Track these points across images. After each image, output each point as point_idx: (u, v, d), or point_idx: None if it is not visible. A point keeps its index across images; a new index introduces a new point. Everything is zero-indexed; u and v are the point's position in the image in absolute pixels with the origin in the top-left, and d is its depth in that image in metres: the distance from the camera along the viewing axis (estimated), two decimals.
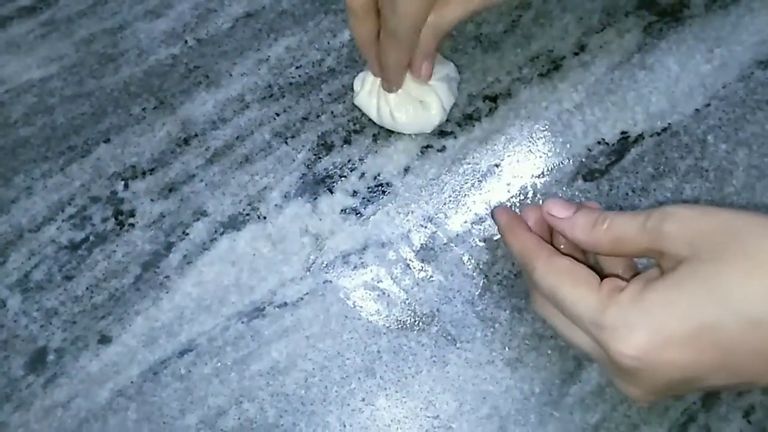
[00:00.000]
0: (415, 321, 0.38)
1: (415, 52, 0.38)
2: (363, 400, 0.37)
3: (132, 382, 0.37)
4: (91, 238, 0.40)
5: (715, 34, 0.44)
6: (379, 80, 0.40)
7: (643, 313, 0.26)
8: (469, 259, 0.39)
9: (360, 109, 0.42)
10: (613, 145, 0.42)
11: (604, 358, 0.28)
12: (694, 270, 0.26)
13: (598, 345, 0.28)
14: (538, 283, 0.31)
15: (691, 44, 0.44)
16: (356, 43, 0.39)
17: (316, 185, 0.41)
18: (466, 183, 0.41)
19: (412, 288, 0.39)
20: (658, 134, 0.42)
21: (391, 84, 0.40)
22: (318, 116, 0.43)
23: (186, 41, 0.45)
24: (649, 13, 0.45)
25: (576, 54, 0.44)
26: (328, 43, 0.45)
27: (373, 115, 0.41)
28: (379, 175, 0.41)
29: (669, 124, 0.42)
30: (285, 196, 0.41)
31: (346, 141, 0.42)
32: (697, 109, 0.43)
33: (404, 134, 0.42)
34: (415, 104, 0.40)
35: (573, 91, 0.43)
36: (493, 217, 0.37)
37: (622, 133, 0.42)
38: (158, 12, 0.46)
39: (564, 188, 0.41)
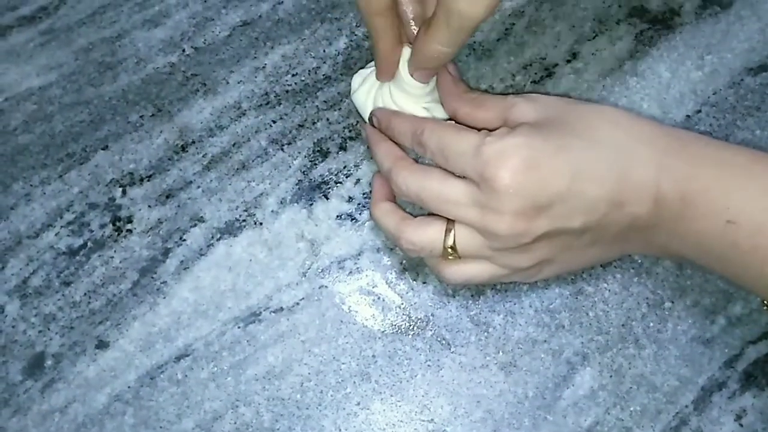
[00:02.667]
0: (410, 325, 0.38)
1: (415, 71, 0.37)
2: (358, 404, 0.37)
3: (129, 387, 0.37)
4: (89, 244, 0.41)
5: (705, 41, 0.45)
6: (377, 81, 0.40)
7: (515, 140, 0.32)
8: None
9: (356, 112, 0.42)
10: None
11: (477, 196, 0.32)
12: (546, 124, 0.33)
13: (477, 177, 0.32)
14: (425, 143, 0.35)
15: (681, 51, 0.45)
16: (362, 8, 0.36)
17: (312, 191, 0.42)
18: None
19: (407, 293, 0.39)
20: None
21: (385, 73, 0.38)
22: (314, 123, 0.43)
23: (183, 49, 0.45)
24: (641, 21, 0.46)
25: (568, 61, 0.45)
26: (324, 51, 0.45)
27: (368, 117, 0.42)
28: None
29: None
30: (281, 202, 0.41)
31: (342, 147, 0.43)
32: (688, 116, 0.43)
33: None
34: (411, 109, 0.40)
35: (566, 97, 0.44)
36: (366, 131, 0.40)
37: None
38: (156, 21, 0.46)
39: None
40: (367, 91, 0.40)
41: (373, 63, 0.41)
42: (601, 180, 0.31)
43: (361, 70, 0.42)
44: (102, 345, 0.38)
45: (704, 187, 0.31)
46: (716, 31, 0.45)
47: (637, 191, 0.32)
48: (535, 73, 0.44)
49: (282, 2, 0.47)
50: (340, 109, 0.44)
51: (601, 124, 0.33)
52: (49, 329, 0.39)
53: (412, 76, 0.38)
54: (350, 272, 0.40)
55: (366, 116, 0.41)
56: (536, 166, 0.31)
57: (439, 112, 0.41)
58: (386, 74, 0.39)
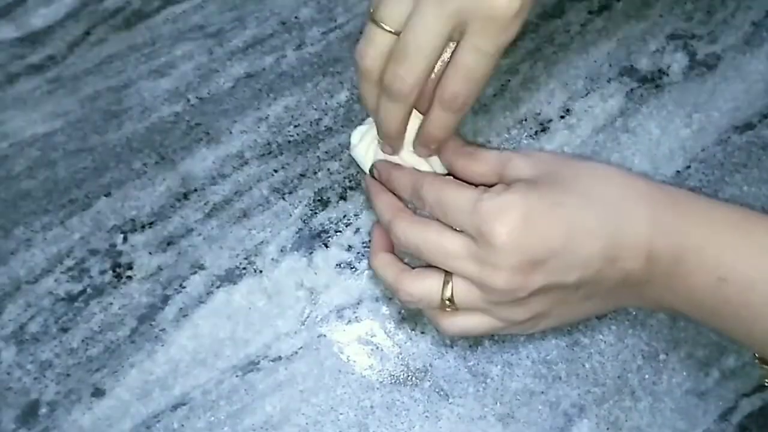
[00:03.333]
0: (408, 376, 0.39)
1: (424, 131, 0.38)
2: None
3: None
4: (89, 290, 0.41)
5: (693, 100, 0.47)
6: (376, 136, 0.41)
7: (511, 196, 0.33)
8: None
9: (356, 163, 0.43)
10: None
11: (474, 250, 0.33)
12: (541, 181, 0.34)
13: (474, 232, 0.33)
14: (425, 197, 0.36)
15: (670, 109, 0.46)
16: (363, 103, 0.39)
17: (312, 240, 0.42)
18: None
19: (405, 343, 0.39)
20: None
21: (392, 145, 0.40)
22: (315, 173, 0.44)
23: (188, 99, 0.47)
24: (631, 79, 0.47)
25: (562, 117, 0.46)
26: (326, 103, 0.46)
27: (369, 170, 0.43)
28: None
29: None
30: (281, 251, 0.42)
31: (342, 197, 0.44)
32: (678, 171, 0.45)
33: None
34: None
35: (560, 152, 0.45)
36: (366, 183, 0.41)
37: None
38: (162, 71, 0.47)
39: None
40: (366, 146, 0.42)
41: (370, 119, 0.42)
42: (595, 236, 0.32)
43: (359, 126, 0.43)
44: (98, 393, 0.38)
45: (697, 245, 0.32)
46: (703, 91, 0.47)
47: (630, 248, 0.33)
48: (530, 128, 0.46)
49: (285, 56, 0.48)
50: (340, 159, 0.45)
51: (594, 181, 0.35)
52: (44, 376, 0.38)
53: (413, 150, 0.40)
54: (349, 321, 0.40)
55: (366, 170, 0.42)
56: (532, 223, 0.32)
57: (439, 166, 0.42)
58: (394, 151, 0.40)
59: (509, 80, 0.47)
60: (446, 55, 0.35)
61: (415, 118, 0.39)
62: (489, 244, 0.32)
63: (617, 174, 0.35)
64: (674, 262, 0.32)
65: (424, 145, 0.39)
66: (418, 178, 0.37)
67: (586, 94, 0.47)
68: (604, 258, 0.32)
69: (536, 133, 0.46)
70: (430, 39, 0.34)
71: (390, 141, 0.40)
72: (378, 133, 0.40)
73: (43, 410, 0.37)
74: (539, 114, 0.46)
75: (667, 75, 0.48)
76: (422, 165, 0.41)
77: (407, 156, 0.41)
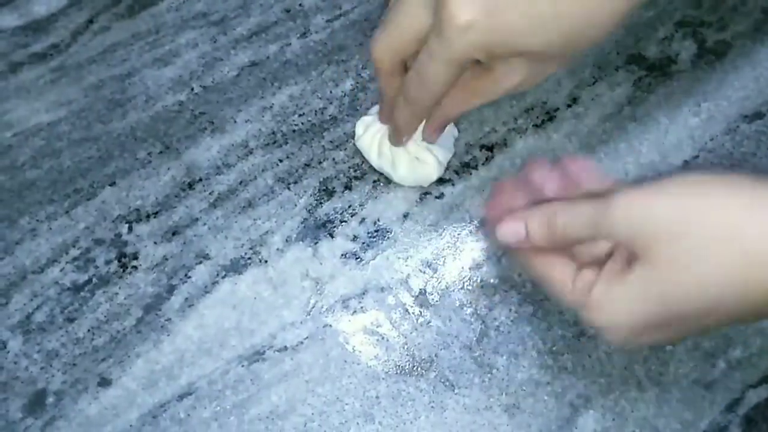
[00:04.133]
0: (414, 366, 0.39)
1: (436, 115, 0.38)
2: None
3: (131, 426, 0.37)
4: (94, 280, 0.41)
5: (701, 88, 0.46)
6: (381, 127, 0.42)
7: (610, 314, 0.30)
8: (466, 304, 0.40)
9: (361, 153, 0.43)
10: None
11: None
12: (647, 265, 0.28)
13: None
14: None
15: (679, 98, 0.46)
16: (380, 95, 0.39)
17: (317, 230, 0.42)
18: (464, 229, 0.42)
19: (411, 333, 0.39)
20: None
21: (396, 138, 0.41)
22: (320, 162, 0.44)
23: (192, 88, 0.46)
24: (639, 67, 0.47)
25: (569, 106, 0.46)
26: (331, 92, 0.46)
27: (374, 160, 0.42)
28: (378, 220, 0.42)
29: (659, 174, 0.44)
30: (286, 241, 0.42)
31: (347, 187, 0.43)
32: (686, 161, 0.44)
33: None
34: (413, 160, 0.41)
35: (566, 141, 0.45)
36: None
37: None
38: (166, 60, 0.47)
39: None
40: (371, 137, 0.42)
41: (374, 108, 0.43)
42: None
43: (364, 117, 0.43)
44: (104, 382, 0.38)
45: None
46: (712, 79, 0.46)
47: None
48: (537, 117, 0.45)
49: (290, 44, 0.48)
50: (345, 149, 0.44)
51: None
52: (51, 366, 0.38)
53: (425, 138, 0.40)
54: (354, 311, 0.40)
55: (371, 161, 0.42)
56: (637, 332, 0.30)
57: (443, 155, 0.42)
58: (403, 142, 0.41)
59: None
60: None
61: None
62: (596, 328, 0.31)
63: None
64: None
65: (393, 126, 0.40)
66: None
67: (594, 83, 0.46)
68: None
69: (543, 122, 0.45)
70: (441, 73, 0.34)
71: (400, 136, 0.40)
72: (389, 125, 0.41)
73: (50, 399, 0.38)
74: (546, 102, 0.46)
75: (676, 63, 0.47)
76: (424, 154, 0.41)
77: (411, 146, 0.41)
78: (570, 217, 0.31)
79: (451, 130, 0.43)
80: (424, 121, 0.39)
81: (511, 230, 0.33)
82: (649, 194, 0.29)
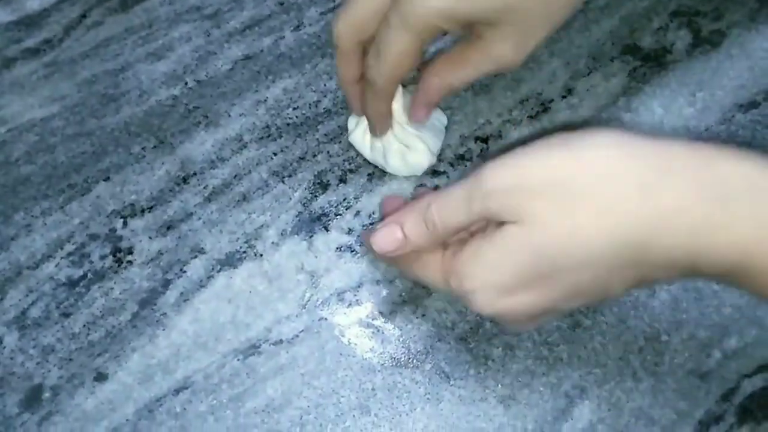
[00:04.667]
0: (409, 358, 0.39)
1: (418, 96, 0.38)
2: None
3: (127, 420, 0.37)
4: (89, 275, 0.41)
5: (696, 78, 0.46)
6: None
7: (476, 274, 0.29)
8: None
9: (354, 148, 0.43)
10: None
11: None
12: (518, 224, 0.28)
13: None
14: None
15: (674, 88, 0.46)
16: (339, 82, 0.39)
17: (312, 223, 0.42)
18: None
19: (406, 325, 0.39)
20: None
21: (374, 129, 0.40)
22: (314, 156, 0.44)
23: (186, 82, 0.46)
24: (634, 58, 0.47)
25: (564, 97, 0.46)
26: (325, 85, 0.46)
27: (367, 154, 0.42)
28: (374, 213, 0.42)
29: None
30: (281, 234, 0.42)
31: (342, 180, 0.43)
32: None
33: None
34: (403, 149, 0.41)
35: (562, 133, 0.44)
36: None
37: None
38: (159, 54, 0.47)
39: None
40: (363, 132, 0.42)
41: None
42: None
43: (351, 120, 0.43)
44: (100, 377, 0.38)
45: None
46: (707, 69, 0.46)
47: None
48: (532, 108, 0.45)
49: (284, 37, 0.47)
50: (340, 142, 0.44)
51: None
52: (47, 361, 0.38)
53: (409, 119, 0.39)
54: (350, 304, 0.40)
55: (365, 154, 0.42)
56: (507, 294, 0.30)
57: (432, 143, 0.41)
58: (382, 131, 0.40)
59: None
60: None
61: (401, 97, 0.39)
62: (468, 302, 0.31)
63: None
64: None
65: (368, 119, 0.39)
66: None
67: (589, 73, 0.46)
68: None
69: (537, 113, 0.45)
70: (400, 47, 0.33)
71: (376, 125, 0.39)
72: (357, 113, 0.41)
73: (47, 394, 0.38)
74: (541, 94, 0.46)
75: (671, 53, 0.47)
76: (414, 141, 0.41)
77: (400, 134, 0.41)
78: (442, 203, 0.31)
79: (438, 116, 0.43)
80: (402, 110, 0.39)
81: (387, 238, 0.33)
82: (516, 159, 0.29)
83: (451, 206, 0.30)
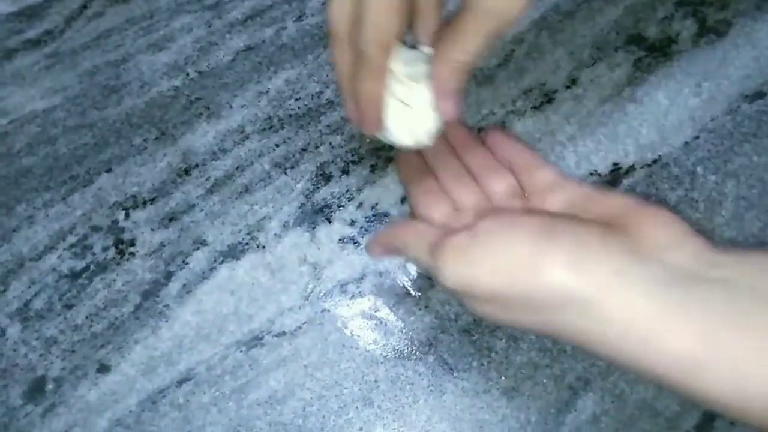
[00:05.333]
0: (413, 350, 0.38)
1: (436, 90, 0.34)
2: (361, 429, 0.37)
3: (130, 412, 0.37)
4: (92, 267, 0.41)
5: (702, 68, 0.46)
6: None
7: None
8: None
9: (359, 134, 0.42)
10: (605, 176, 0.43)
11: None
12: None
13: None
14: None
15: (679, 78, 0.45)
16: (336, 74, 0.34)
17: (315, 215, 0.42)
18: None
19: (409, 317, 0.39)
20: (649, 166, 0.43)
21: (368, 122, 0.34)
22: (317, 147, 0.44)
23: (187, 73, 0.46)
24: (639, 48, 0.46)
25: (568, 87, 0.45)
26: (327, 76, 0.46)
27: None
28: (376, 205, 0.42)
29: (659, 156, 0.43)
30: (284, 226, 0.42)
31: (344, 171, 0.43)
32: (686, 142, 0.44)
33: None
34: (405, 110, 0.35)
35: (566, 123, 0.44)
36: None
37: (614, 164, 0.43)
38: (161, 45, 0.47)
39: None
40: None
41: None
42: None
43: None
44: (103, 369, 0.38)
45: None
46: (713, 59, 0.46)
47: None
48: (536, 99, 0.45)
49: (285, 28, 0.47)
50: (342, 133, 0.44)
51: None
52: (50, 353, 0.38)
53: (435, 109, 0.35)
54: (353, 296, 0.40)
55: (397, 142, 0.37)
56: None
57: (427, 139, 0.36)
58: (374, 126, 0.35)
59: (514, 50, 0.46)
60: None
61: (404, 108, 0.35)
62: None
63: None
64: None
65: (359, 114, 0.35)
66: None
67: (593, 64, 0.46)
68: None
69: (541, 104, 0.45)
70: None
71: (367, 114, 0.34)
72: (351, 115, 0.35)
73: (50, 386, 0.38)
74: (544, 84, 0.45)
75: (676, 43, 0.46)
76: (414, 96, 0.35)
77: (398, 89, 0.35)
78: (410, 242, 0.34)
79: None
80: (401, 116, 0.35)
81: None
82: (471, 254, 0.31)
83: (416, 250, 0.35)
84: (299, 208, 0.42)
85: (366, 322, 0.39)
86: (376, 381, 0.38)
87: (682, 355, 0.26)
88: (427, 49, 0.35)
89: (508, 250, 0.30)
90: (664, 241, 0.30)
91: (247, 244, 0.41)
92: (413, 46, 0.35)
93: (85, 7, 0.48)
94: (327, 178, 0.43)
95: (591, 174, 0.43)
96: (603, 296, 0.28)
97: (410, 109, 0.36)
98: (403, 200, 0.42)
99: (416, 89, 0.35)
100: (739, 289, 0.27)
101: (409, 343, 0.39)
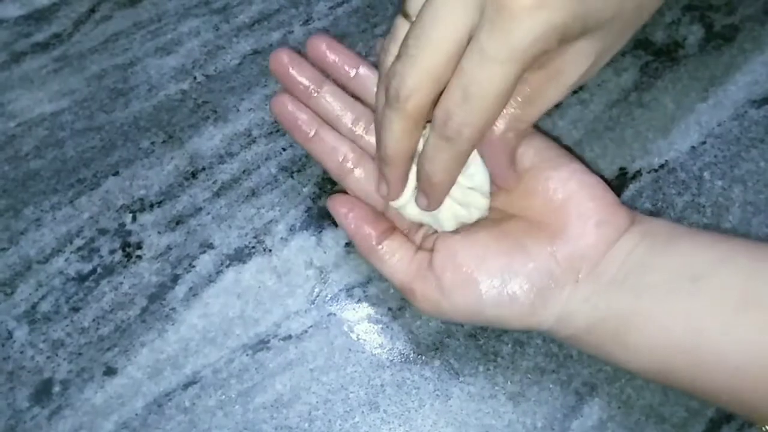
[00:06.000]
0: (419, 354, 0.38)
1: (499, 159, 0.31)
2: None
3: (137, 415, 0.37)
4: (99, 269, 0.41)
5: (709, 73, 0.46)
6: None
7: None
8: None
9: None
10: (612, 181, 0.43)
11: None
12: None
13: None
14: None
15: (686, 83, 0.45)
16: (387, 157, 0.30)
17: (321, 218, 0.42)
18: None
19: (416, 321, 0.39)
20: (656, 171, 0.43)
21: (433, 200, 0.32)
22: None
23: (195, 77, 0.46)
24: (645, 52, 0.46)
25: (575, 92, 0.45)
26: None
27: (412, 214, 0.35)
28: None
29: (666, 161, 0.43)
30: (290, 229, 0.42)
31: None
32: (693, 147, 0.44)
33: None
34: (455, 208, 0.34)
35: (572, 128, 0.44)
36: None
37: (621, 169, 0.43)
38: (168, 49, 0.47)
39: None
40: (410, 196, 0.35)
41: None
42: None
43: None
44: (110, 372, 0.38)
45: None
46: (720, 64, 0.46)
47: None
48: None
49: (293, 32, 0.47)
50: None
51: None
52: (57, 355, 0.39)
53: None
54: (359, 300, 0.40)
55: (409, 215, 0.36)
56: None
57: (486, 183, 0.34)
58: (393, 194, 0.33)
59: None
60: None
61: None
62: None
63: None
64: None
65: (421, 188, 0.32)
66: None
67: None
68: None
69: None
70: (441, 27, 0.25)
71: (388, 169, 0.31)
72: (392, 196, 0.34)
73: (56, 389, 0.38)
74: None
75: (683, 47, 0.46)
76: (469, 195, 0.34)
77: (411, 208, 0.35)
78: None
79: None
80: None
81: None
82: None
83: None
84: (306, 211, 0.42)
85: (372, 326, 0.39)
86: (382, 385, 0.38)
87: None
88: None
89: (476, 301, 0.33)
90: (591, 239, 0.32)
91: (253, 247, 0.41)
92: None
93: (93, 10, 0.48)
94: (333, 182, 0.43)
95: None
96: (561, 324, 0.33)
97: (463, 207, 0.34)
98: None
99: (469, 187, 0.33)
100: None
101: (415, 348, 0.39)
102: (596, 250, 0.32)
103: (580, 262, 0.32)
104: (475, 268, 0.33)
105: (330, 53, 0.38)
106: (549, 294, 0.32)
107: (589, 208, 0.33)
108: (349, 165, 0.37)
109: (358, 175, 0.37)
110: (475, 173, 0.33)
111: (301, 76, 0.38)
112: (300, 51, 0.41)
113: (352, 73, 0.38)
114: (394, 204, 0.35)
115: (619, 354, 0.32)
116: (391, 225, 0.37)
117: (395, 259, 0.35)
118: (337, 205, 0.37)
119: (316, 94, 0.38)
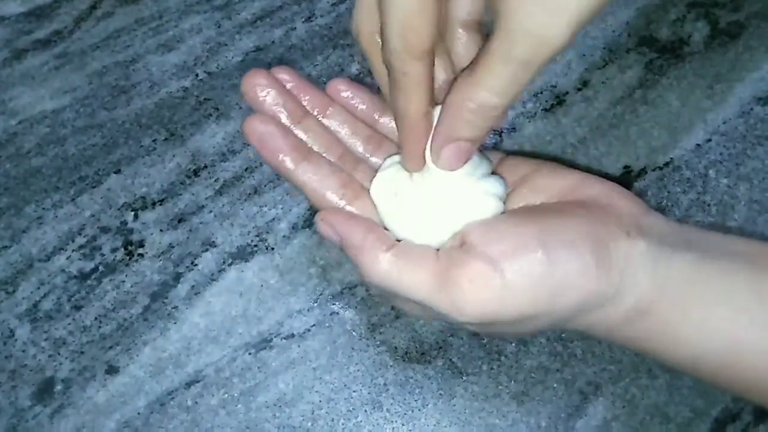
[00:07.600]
0: (422, 353, 0.38)
1: (438, 135, 0.28)
2: None
3: (139, 414, 0.37)
4: (101, 268, 0.41)
5: (714, 70, 0.45)
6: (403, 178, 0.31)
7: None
8: None
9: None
10: (617, 178, 0.42)
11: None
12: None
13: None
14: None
15: (691, 80, 0.45)
16: (406, 119, 0.28)
17: None
18: None
19: (419, 320, 0.39)
20: (661, 168, 0.43)
21: (408, 155, 0.29)
22: None
23: (197, 74, 0.46)
24: (650, 49, 0.46)
25: (579, 89, 0.45)
26: (336, 77, 0.45)
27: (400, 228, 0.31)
28: None
29: (671, 158, 0.43)
30: (293, 228, 0.41)
31: None
32: (698, 144, 0.43)
33: None
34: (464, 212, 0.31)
35: (576, 125, 0.44)
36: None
37: (625, 167, 0.43)
38: (170, 46, 0.47)
39: None
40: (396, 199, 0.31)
41: (389, 160, 0.33)
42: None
43: (379, 174, 0.32)
44: (112, 370, 0.38)
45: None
46: (725, 61, 0.45)
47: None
48: (546, 101, 0.45)
49: (295, 28, 0.47)
50: None
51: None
52: (59, 354, 0.38)
53: (435, 162, 0.29)
54: (362, 298, 0.40)
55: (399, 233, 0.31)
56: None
57: (497, 188, 0.31)
58: (418, 159, 0.29)
59: None
60: None
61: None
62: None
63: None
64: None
65: (435, 149, 0.28)
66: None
67: (604, 66, 0.46)
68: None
69: (552, 106, 0.45)
70: None
71: (407, 147, 0.29)
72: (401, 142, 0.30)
73: (58, 387, 0.38)
74: (555, 86, 0.45)
75: (688, 45, 0.46)
76: (480, 198, 0.30)
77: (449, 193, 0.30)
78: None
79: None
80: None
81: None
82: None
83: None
84: (308, 210, 0.42)
85: (375, 325, 0.39)
86: (385, 384, 0.38)
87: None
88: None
89: (540, 263, 0.27)
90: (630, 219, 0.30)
91: (256, 245, 0.41)
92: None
93: (94, 7, 0.48)
94: None
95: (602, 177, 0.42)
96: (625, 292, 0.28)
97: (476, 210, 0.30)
98: None
99: (482, 190, 0.30)
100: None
101: (419, 347, 0.38)
102: (630, 210, 0.30)
103: (620, 219, 0.29)
104: (525, 232, 0.28)
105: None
106: (604, 248, 0.28)
107: (608, 186, 0.31)
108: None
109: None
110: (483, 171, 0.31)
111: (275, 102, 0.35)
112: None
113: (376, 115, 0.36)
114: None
115: (679, 331, 0.28)
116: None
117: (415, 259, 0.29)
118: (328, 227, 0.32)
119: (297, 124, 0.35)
